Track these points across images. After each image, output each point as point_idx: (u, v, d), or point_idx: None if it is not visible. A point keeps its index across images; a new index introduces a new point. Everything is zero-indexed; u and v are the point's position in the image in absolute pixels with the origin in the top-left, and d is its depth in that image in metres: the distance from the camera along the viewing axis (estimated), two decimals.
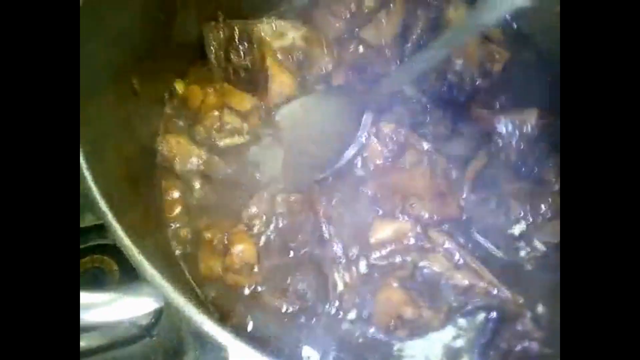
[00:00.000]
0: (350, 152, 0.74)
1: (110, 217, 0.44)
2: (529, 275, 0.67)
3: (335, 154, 0.74)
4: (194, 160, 0.72)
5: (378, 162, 0.75)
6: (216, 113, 0.77)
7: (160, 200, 0.71)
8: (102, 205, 0.44)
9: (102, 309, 0.39)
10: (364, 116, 0.76)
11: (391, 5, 0.90)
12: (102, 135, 0.56)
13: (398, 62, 0.87)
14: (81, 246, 0.81)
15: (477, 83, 0.81)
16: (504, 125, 0.71)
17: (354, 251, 0.67)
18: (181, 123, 0.80)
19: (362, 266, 0.67)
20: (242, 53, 0.87)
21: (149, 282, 0.40)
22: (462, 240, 0.69)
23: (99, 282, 0.80)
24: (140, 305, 0.40)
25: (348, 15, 0.89)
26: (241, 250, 0.62)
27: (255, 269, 0.63)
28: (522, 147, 0.74)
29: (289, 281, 0.64)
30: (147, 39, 0.71)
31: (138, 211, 0.61)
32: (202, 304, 0.62)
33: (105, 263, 0.82)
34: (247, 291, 0.64)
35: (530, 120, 0.71)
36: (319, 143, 0.78)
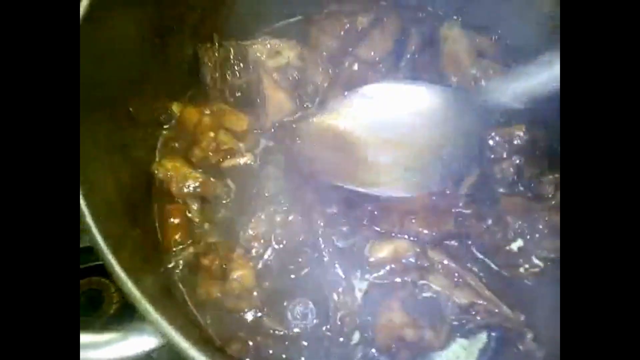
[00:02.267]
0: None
1: (107, 254, 0.44)
2: (529, 291, 0.68)
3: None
4: (191, 183, 0.72)
5: None
6: (212, 134, 0.78)
7: (160, 224, 0.71)
8: (99, 241, 0.44)
9: (100, 349, 0.39)
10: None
11: (385, 22, 0.91)
12: (97, 164, 0.56)
13: (393, 78, 0.88)
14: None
15: None
16: (494, 139, 0.72)
17: (353, 272, 0.67)
18: (178, 145, 0.80)
19: (363, 287, 0.67)
20: (237, 73, 0.87)
21: (148, 319, 0.40)
22: (460, 258, 0.69)
23: (96, 305, 0.79)
24: (140, 344, 0.40)
25: (342, 33, 0.90)
26: (239, 276, 0.62)
27: (255, 294, 0.63)
28: (517, 162, 0.75)
29: (289, 304, 0.64)
30: (143, 63, 0.71)
31: (135, 238, 0.61)
32: (202, 330, 0.62)
33: (102, 285, 0.82)
34: (247, 316, 0.63)
35: (519, 134, 0.71)
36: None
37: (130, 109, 0.68)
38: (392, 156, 0.69)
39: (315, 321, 0.63)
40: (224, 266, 0.63)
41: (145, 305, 0.41)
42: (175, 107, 0.83)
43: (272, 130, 0.83)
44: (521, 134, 0.71)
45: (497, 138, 0.72)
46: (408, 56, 0.88)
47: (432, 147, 0.69)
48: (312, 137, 0.75)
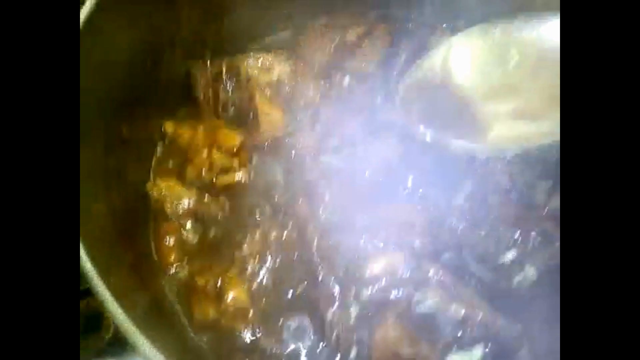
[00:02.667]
0: None
1: (98, 284, 0.44)
2: (524, 301, 0.68)
3: None
4: (185, 202, 0.73)
5: (366, 192, 0.76)
6: (205, 152, 0.78)
7: (156, 245, 0.71)
8: (89, 269, 0.44)
9: None
10: None
11: (374, 35, 0.92)
12: (90, 190, 0.56)
13: (384, 91, 0.89)
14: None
15: None
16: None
17: (348, 287, 0.68)
18: (172, 163, 0.81)
19: (358, 302, 0.67)
20: (230, 89, 0.88)
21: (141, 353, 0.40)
22: (456, 270, 0.69)
23: (94, 328, 0.79)
24: None
25: (332, 47, 0.91)
26: (234, 296, 0.62)
27: (250, 313, 0.64)
28: (511, 171, 0.75)
29: (285, 322, 0.64)
30: (135, 85, 0.72)
31: (129, 261, 0.61)
32: (198, 352, 0.62)
33: (102, 307, 0.82)
34: (244, 335, 0.64)
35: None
36: None
37: (123, 132, 0.69)
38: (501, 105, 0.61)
39: (312, 338, 0.64)
40: (219, 286, 0.63)
41: (135, 338, 0.41)
42: (169, 126, 0.84)
43: (266, 145, 0.84)
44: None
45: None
46: (399, 66, 0.88)
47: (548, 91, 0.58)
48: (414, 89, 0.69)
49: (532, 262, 0.68)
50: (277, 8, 0.91)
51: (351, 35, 0.91)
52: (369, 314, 0.66)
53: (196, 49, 0.84)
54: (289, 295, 0.68)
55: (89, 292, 0.81)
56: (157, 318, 0.60)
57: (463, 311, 0.65)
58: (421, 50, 0.89)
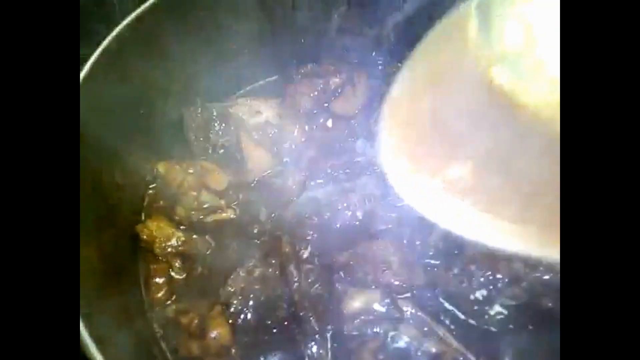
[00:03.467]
0: None
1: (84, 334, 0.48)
2: (494, 337, 0.71)
3: None
4: (174, 242, 0.77)
5: (346, 231, 0.80)
6: (194, 194, 0.83)
7: (145, 283, 0.75)
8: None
9: None
10: None
11: (356, 80, 0.98)
12: (83, 238, 0.61)
13: (365, 132, 0.94)
14: None
15: None
16: None
17: (327, 324, 0.71)
18: (162, 203, 0.85)
19: (336, 339, 0.70)
20: (220, 132, 0.94)
21: None
22: (429, 308, 0.73)
23: None
24: None
25: (317, 92, 0.97)
26: (217, 335, 0.65)
27: (233, 350, 0.67)
28: None
29: (266, 359, 0.67)
30: (130, 134, 0.77)
31: (117, 302, 0.65)
32: None
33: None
34: None
35: None
36: None
37: (117, 178, 0.74)
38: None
39: None
40: (202, 324, 0.66)
41: None
42: (162, 167, 0.89)
43: (252, 184, 0.89)
44: None
45: None
46: (378, 112, 0.94)
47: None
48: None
49: (501, 301, 0.72)
50: (265, 58, 0.97)
51: (334, 81, 0.97)
52: (347, 351, 0.69)
53: (188, 97, 0.90)
54: (271, 332, 0.71)
55: None
56: (143, 355, 0.63)
57: (435, 348, 0.68)
58: None
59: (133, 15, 0.71)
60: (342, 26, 0.98)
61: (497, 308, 0.72)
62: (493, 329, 0.71)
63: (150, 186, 0.86)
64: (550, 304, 0.70)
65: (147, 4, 0.73)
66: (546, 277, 0.70)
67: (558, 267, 0.71)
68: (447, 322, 0.72)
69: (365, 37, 1.00)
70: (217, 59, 0.92)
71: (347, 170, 0.89)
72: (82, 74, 0.64)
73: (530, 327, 0.71)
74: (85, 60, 0.67)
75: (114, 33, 0.69)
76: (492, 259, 0.74)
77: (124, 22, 0.71)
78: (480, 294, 0.72)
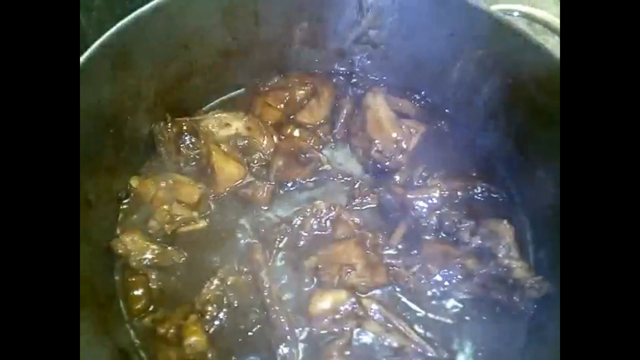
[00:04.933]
0: None
1: None
2: (451, 329, 0.77)
3: None
4: (148, 255, 0.80)
5: (314, 236, 0.85)
6: (166, 207, 0.86)
7: (123, 296, 0.78)
8: None
9: None
10: None
11: (320, 92, 1.03)
12: None
13: (331, 140, 1.00)
14: None
15: (398, 158, 0.93)
16: (414, 201, 0.83)
17: (297, 326, 0.76)
18: (136, 217, 0.88)
19: (305, 339, 0.75)
20: (190, 145, 0.97)
21: None
22: (391, 305, 0.78)
23: None
24: None
25: (283, 104, 1.01)
26: (192, 342, 0.69)
27: (209, 355, 0.71)
28: (438, 213, 0.86)
29: None
30: (100, 154, 0.80)
31: (94, 316, 0.68)
32: None
33: None
34: None
35: (434, 195, 0.83)
36: None
37: (90, 198, 0.76)
38: None
39: None
40: (179, 333, 0.70)
41: None
42: (134, 181, 0.91)
43: (223, 196, 0.93)
44: (436, 194, 0.83)
45: (417, 199, 0.83)
46: (341, 122, 0.99)
47: None
48: None
49: (456, 295, 0.78)
50: (231, 71, 1.01)
51: (299, 93, 1.01)
52: (315, 349, 0.74)
53: (158, 112, 0.93)
54: (245, 336, 0.75)
55: None
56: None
57: (397, 342, 0.74)
58: (362, 102, 1.00)
59: (104, 36, 0.74)
60: (304, 40, 1.03)
61: (453, 302, 0.78)
62: (450, 321, 0.77)
63: (124, 201, 0.89)
64: (499, 296, 0.77)
65: (117, 25, 0.75)
66: (494, 272, 0.77)
67: (506, 262, 0.78)
68: (408, 317, 0.78)
69: (328, 50, 1.05)
70: (185, 76, 0.95)
71: (314, 178, 0.94)
72: None
73: (484, 318, 0.78)
74: None
75: (86, 54, 0.71)
76: (447, 257, 0.81)
77: (96, 43, 0.73)
78: (437, 289, 0.79)
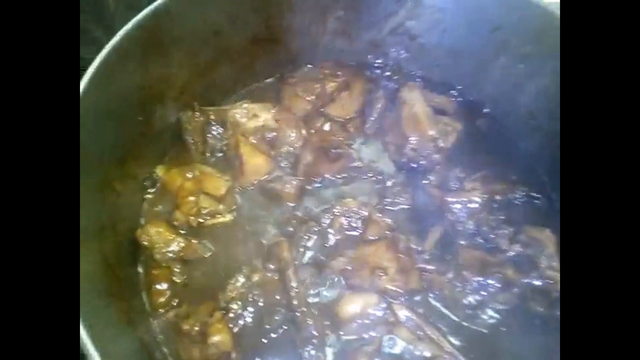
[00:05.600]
0: None
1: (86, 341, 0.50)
2: (486, 340, 0.73)
3: None
4: (174, 247, 0.78)
5: (343, 236, 0.82)
6: (193, 199, 0.84)
7: (146, 289, 0.76)
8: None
9: None
10: None
11: (352, 84, 0.99)
12: (84, 248, 0.62)
13: (362, 137, 0.96)
14: None
15: (434, 157, 0.88)
16: (453, 204, 0.78)
17: (325, 328, 0.73)
18: (161, 208, 0.86)
19: (333, 343, 0.72)
20: (218, 136, 0.94)
21: None
22: (424, 312, 0.75)
23: None
24: None
25: (313, 96, 0.97)
26: (217, 341, 0.67)
27: (233, 355, 0.68)
28: (475, 217, 0.81)
29: None
30: (128, 141, 0.77)
31: (118, 306, 0.66)
32: None
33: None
34: None
35: (474, 199, 0.79)
36: None
37: (116, 187, 0.74)
38: None
39: None
40: (203, 330, 0.68)
41: None
42: (160, 170, 0.89)
43: (251, 189, 0.90)
44: (477, 198, 0.78)
45: (455, 203, 0.79)
46: (374, 116, 0.95)
47: None
48: None
49: (493, 305, 0.74)
50: (261, 60, 0.97)
51: (330, 85, 0.97)
52: (343, 354, 0.71)
53: (186, 101, 0.90)
54: (270, 337, 0.73)
55: None
56: (144, 355, 0.64)
57: (429, 351, 0.71)
58: (396, 97, 0.96)
59: (131, 23, 0.71)
60: (338, 29, 0.98)
61: (490, 312, 0.74)
62: (485, 331, 0.73)
63: (150, 190, 0.87)
64: (540, 309, 0.73)
65: (144, 12, 0.73)
66: (537, 282, 0.73)
67: (549, 274, 0.73)
68: (441, 325, 0.74)
69: (362, 40, 1.00)
70: (214, 63, 0.92)
71: (344, 175, 0.91)
72: (81, 82, 0.64)
73: (522, 331, 0.74)
74: (84, 68, 0.67)
75: (113, 42, 0.69)
76: (484, 264, 0.76)
77: (123, 30, 0.70)
78: (473, 298, 0.74)
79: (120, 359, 0.54)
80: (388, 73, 1.03)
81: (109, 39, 0.70)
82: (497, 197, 0.84)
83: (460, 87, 1.01)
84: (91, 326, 0.52)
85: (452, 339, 0.73)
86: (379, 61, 1.04)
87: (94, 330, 0.52)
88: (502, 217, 0.82)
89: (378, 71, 1.03)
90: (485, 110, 0.98)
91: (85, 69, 0.66)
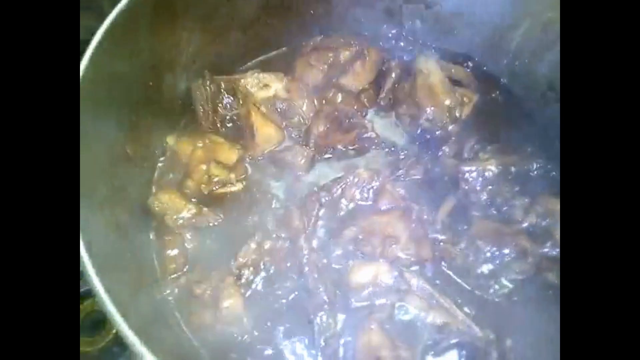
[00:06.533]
0: None
1: (99, 289, 0.50)
2: (499, 309, 0.73)
3: None
4: (185, 214, 0.78)
5: (355, 206, 0.81)
6: (204, 167, 0.83)
7: (158, 255, 0.77)
8: (91, 273, 0.50)
9: None
10: None
11: (366, 54, 0.96)
12: (96, 202, 0.62)
13: (375, 108, 0.94)
14: (81, 289, 0.85)
15: (449, 128, 0.87)
16: (468, 174, 0.77)
17: (336, 295, 0.73)
18: (172, 176, 0.85)
19: (344, 310, 0.72)
20: (228, 105, 0.93)
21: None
22: (435, 280, 0.74)
23: (99, 327, 0.84)
24: None
25: (326, 66, 0.95)
26: (229, 304, 0.67)
27: (245, 320, 0.69)
28: (490, 188, 0.80)
29: (277, 328, 0.70)
30: (139, 106, 0.77)
31: (131, 270, 0.67)
32: (195, 355, 0.67)
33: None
34: (239, 339, 0.69)
35: (490, 168, 0.77)
36: None
37: (128, 150, 0.74)
38: None
39: (302, 343, 0.69)
40: (215, 294, 0.68)
41: (133, 344, 0.47)
42: (170, 140, 0.89)
43: (262, 159, 0.89)
44: (492, 167, 0.77)
45: (470, 172, 0.77)
46: (388, 87, 0.93)
47: None
48: None
49: (507, 275, 0.73)
50: (273, 28, 0.95)
51: (344, 54, 0.95)
52: (355, 321, 0.71)
53: (196, 69, 0.89)
54: (281, 303, 0.73)
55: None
56: (156, 323, 0.65)
57: (441, 319, 0.70)
58: (410, 69, 0.94)
59: None
60: None
61: (503, 282, 0.73)
62: (498, 300, 0.73)
63: (161, 159, 0.86)
64: (555, 280, 0.72)
65: None
66: (553, 252, 0.72)
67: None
68: (453, 294, 0.73)
69: (377, 9, 0.98)
70: (225, 31, 0.90)
71: (356, 146, 0.89)
72: (90, 47, 0.63)
73: (535, 301, 0.73)
74: (93, 33, 0.66)
75: (120, 5, 0.68)
76: (499, 234, 0.75)
77: None
78: (486, 268, 0.74)
79: (140, 319, 0.54)
80: (402, 43, 1.01)
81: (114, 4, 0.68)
82: (512, 169, 0.82)
83: (476, 58, 0.98)
84: (107, 288, 0.52)
85: (464, 308, 0.72)
86: (394, 31, 1.01)
87: (111, 291, 0.52)
88: (517, 189, 0.80)
89: (393, 41, 1.01)
90: (502, 81, 0.96)
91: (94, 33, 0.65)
